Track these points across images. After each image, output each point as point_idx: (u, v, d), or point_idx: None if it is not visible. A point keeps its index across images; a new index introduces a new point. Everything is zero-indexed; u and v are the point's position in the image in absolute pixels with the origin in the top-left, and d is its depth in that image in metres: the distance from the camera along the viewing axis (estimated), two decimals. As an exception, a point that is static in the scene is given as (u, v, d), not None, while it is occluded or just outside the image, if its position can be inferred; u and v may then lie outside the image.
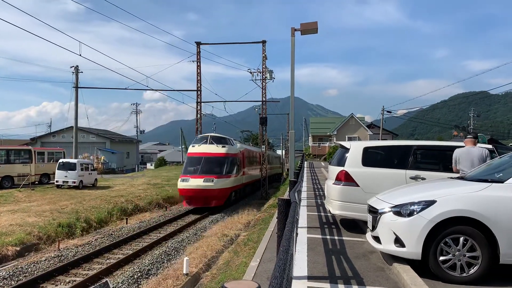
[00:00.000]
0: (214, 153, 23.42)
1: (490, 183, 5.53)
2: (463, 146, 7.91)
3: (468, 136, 7.99)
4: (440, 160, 8.65)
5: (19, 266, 11.86)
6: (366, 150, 8.72)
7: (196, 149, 24.10)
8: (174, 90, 33.06)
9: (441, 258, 5.30)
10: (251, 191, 31.16)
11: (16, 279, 10.92)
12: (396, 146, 9.29)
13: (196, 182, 21.89)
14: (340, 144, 9.70)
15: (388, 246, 5.75)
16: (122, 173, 51.09)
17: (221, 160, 23.25)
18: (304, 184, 19.38)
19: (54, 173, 27.43)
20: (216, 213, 21.98)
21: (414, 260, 5.52)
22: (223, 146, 24.16)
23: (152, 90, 31.82)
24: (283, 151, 68.95)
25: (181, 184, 22.27)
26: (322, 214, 11.26)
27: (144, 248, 14.22)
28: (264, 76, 32.61)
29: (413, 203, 5.56)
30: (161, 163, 68.60)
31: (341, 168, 8.68)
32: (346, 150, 8.98)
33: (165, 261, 12.65)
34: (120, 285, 10.36)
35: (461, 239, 5.26)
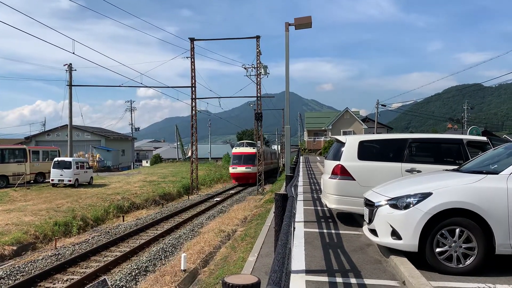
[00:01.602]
0: (249, 152, 38.06)
1: (485, 175, 5.57)
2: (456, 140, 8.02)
3: None
4: (435, 153, 8.70)
5: (16, 266, 11.83)
6: (361, 144, 8.74)
7: (238, 150, 39.91)
8: (168, 87, 32.94)
9: (438, 249, 5.34)
10: (267, 176, 41.29)
11: (14, 278, 10.89)
12: (392, 140, 9.31)
13: (241, 169, 37.14)
14: (336, 138, 9.71)
15: (385, 238, 5.78)
16: (118, 171, 50.92)
17: (253, 156, 36.63)
18: (300, 178, 19.41)
19: (49, 172, 27.29)
20: (251, 187, 35.56)
21: (411, 252, 5.56)
22: (253, 148, 38.26)
23: (147, 87, 31.73)
24: (279, 146, 68.99)
25: (232, 170, 37.98)
26: (319, 208, 11.30)
27: (141, 245, 14.22)
28: (258, 72, 32.56)
29: (409, 196, 5.59)
30: (157, 160, 68.41)
31: (337, 162, 8.70)
32: (342, 144, 8.99)
33: (163, 258, 12.66)
34: (118, 282, 10.36)
35: (457, 230, 5.29)
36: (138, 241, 15.00)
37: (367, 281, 5.15)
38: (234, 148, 41.78)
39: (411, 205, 5.48)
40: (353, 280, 5.18)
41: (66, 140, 33.64)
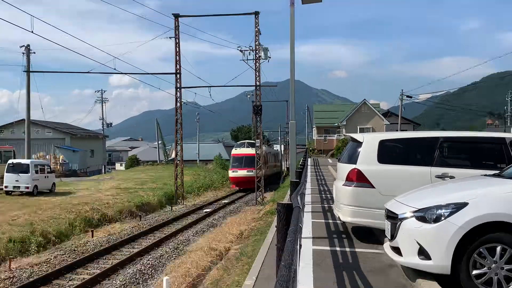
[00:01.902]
0: (250, 154, 38.59)
1: (533, 181, 5.58)
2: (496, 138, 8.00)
3: None
4: (472, 155, 8.72)
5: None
6: (382, 144, 8.75)
7: (238, 151, 42.61)
8: (147, 74, 32.92)
9: (474, 272, 5.35)
10: (268, 182, 42.86)
11: (-41, 306, 10.89)
12: (419, 139, 9.34)
13: (243, 172, 39.49)
14: (351, 137, 9.74)
15: (411, 258, 5.79)
16: (86, 176, 50.97)
17: (254, 158, 36.12)
18: (308, 185, 19.45)
19: (2, 177, 27.24)
20: (252, 193, 34.51)
21: (442, 275, 5.57)
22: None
23: (121, 73, 31.71)
24: (282, 146, 69.05)
25: (232, 174, 40.94)
26: (330, 221, 11.32)
27: (115, 266, 14.23)
28: (257, 55, 32.57)
29: (440, 207, 5.60)
30: (133, 163, 68.40)
31: (352, 166, 8.72)
32: (358, 144, 9.01)
33: (141, 282, 12.68)
34: (86, 311, 10.37)
35: (498, 248, 5.30)
36: (111, 262, 15.01)
37: (388, 310, 5.17)
38: (233, 149, 44.55)
39: (442, 218, 5.49)
40: (372, 309, 5.20)
41: (23, 138, 33.62)
